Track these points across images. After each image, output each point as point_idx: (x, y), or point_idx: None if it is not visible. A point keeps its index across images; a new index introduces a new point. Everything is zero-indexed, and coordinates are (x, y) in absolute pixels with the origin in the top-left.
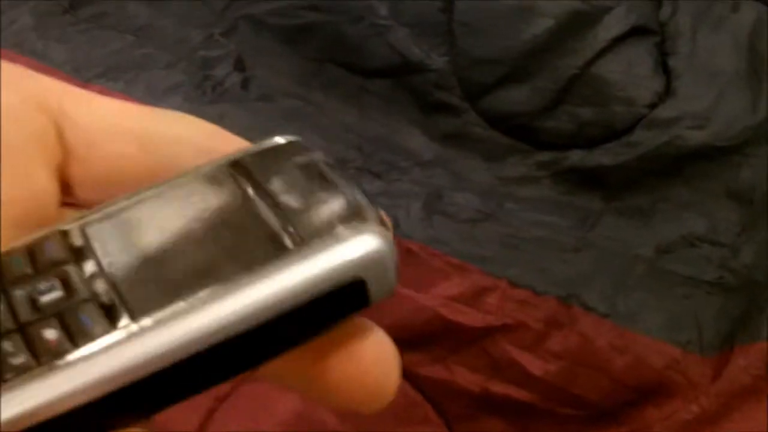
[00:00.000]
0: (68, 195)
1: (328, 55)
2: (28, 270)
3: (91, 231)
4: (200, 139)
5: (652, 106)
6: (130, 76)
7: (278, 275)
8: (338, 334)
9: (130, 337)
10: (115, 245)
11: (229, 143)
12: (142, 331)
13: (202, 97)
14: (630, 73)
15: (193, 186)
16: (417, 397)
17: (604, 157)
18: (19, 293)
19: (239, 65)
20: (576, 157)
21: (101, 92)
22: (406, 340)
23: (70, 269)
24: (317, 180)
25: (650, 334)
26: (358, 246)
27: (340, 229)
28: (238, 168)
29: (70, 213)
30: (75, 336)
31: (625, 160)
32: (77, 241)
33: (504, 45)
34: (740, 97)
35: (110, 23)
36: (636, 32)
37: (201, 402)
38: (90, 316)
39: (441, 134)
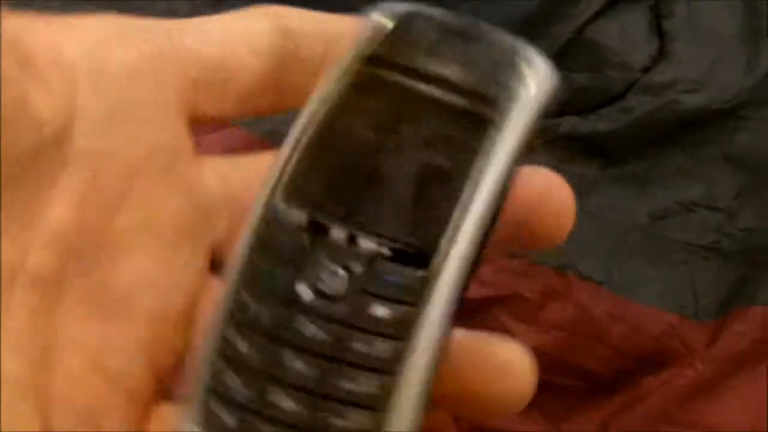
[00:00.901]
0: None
1: None
2: (289, 274)
3: (299, 198)
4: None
5: (647, 70)
6: None
7: (502, 146)
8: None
9: (443, 265)
10: (333, 197)
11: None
12: (445, 255)
13: None
14: (624, 37)
15: (356, 104)
16: None
17: (598, 123)
18: (308, 297)
19: None
20: (570, 123)
21: None
22: None
23: (326, 247)
24: (461, 39)
25: (647, 302)
26: (543, 83)
27: (521, 78)
28: (380, 63)
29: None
30: (398, 297)
31: (619, 126)
32: (297, 218)
33: (497, 12)
34: (736, 59)
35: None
36: None
37: None
38: (391, 273)
39: None
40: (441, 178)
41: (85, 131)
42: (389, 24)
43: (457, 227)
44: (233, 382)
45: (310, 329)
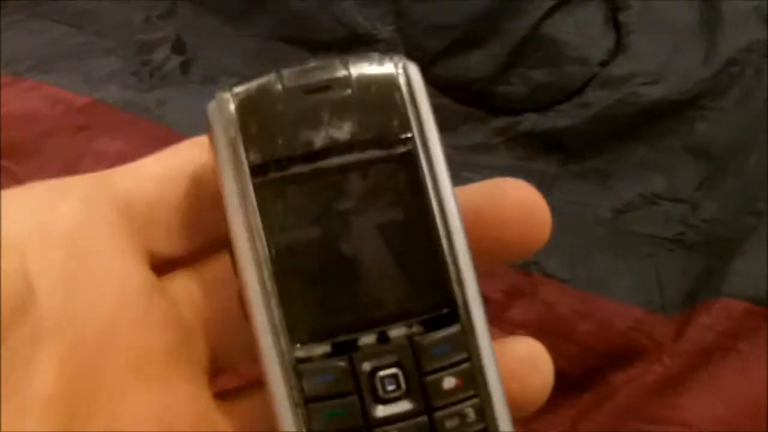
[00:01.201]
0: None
1: (274, 31)
2: (351, 403)
3: (309, 333)
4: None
5: (604, 63)
6: (64, 66)
7: (436, 165)
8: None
9: (468, 306)
10: (336, 313)
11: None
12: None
13: (139, 84)
14: (581, 31)
15: (282, 218)
16: None
17: (557, 119)
18: (382, 412)
19: (178, 48)
20: (530, 120)
21: (33, 87)
22: None
23: (365, 359)
24: (323, 92)
25: (613, 297)
26: (416, 80)
27: (403, 92)
28: (266, 168)
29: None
30: (453, 361)
31: (579, 121)
32: (321, 350)
33: (451, 10)
34: (694, 50)
35: (43, 12)
36: None
37: None
38: (436, 344)
39: None
40: (408, 231)
41: (47, 294)
42: (235, 121)
43: (456, 265)
44: None
45: None
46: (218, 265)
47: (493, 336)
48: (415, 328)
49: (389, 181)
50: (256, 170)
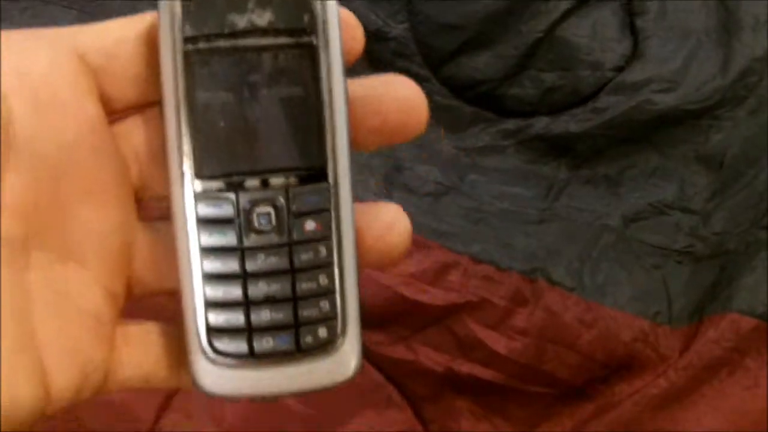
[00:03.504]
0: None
1: None
2: (232, 230)
3: (207, 171)
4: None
5: (619, 69)
6: None
7: (333, 60)
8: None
9: (337, 169)
10: (233, 159)
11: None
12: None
13: None
14: (596, 35)
15: (202, 79)
16: (380, 379)
17: (569, 123)
18: (253, 240)
19: None
20: (541, 124)
21: None
22: (367, 321)
23: (248, 197)
24: None
25: (618, 307)
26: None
27: None
28: (197, 39)
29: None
30: (318, 208)
31: (591, 126)
32: (216, 186)
33: (465, 9)
34: (711, 58)
35: None
36: None
37: (159, 389)
38: (307, 194)
39: None
40: (302, 106)
41: (21, 119)
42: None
43: (334, 137)
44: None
45: (269, 261)
46: (154, 113)
47: (367, 202)
48: (292, 180)
49: (293, 64)
50: (188, 40)
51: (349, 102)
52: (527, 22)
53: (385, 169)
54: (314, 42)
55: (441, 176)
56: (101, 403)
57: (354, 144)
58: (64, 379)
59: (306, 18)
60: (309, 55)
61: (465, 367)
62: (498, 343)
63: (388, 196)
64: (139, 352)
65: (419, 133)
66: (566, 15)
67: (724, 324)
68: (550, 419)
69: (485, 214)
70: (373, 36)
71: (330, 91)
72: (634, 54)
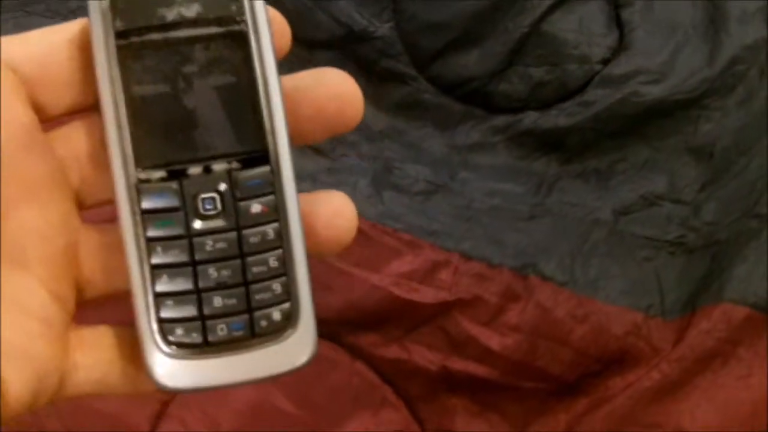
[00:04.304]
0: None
1: None
2: (179, 217)
3: (149, 161)
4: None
5: (606, 62)
6: None
7: (264, 45)
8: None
9: (278, 153)
10: (174, 148)
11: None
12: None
13: None
14: (583, 29)
15: (137, 72)
16: (375, 379)
17: (558, 117)
18: (200, 225)
19: None
20: (530, 119)
21: None
22: (360, 322)
23: (192, 184)
24: None
25: (611, 301)
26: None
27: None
28: (128, 33)
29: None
30: (262, 192)
31: (580, 120)
32: (159, 175)
33: (450, 7)
34: (698, 50)
35: (39, 9)
36: None
37: (154, 394)
38: (249, 178)
39: (391, 104)
40: (238, 92)
41: None
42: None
43: (272, 121)
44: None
45: (218, 246)
46: (95, 118)
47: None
48: (234, 165)
49: (225, 52)
50: (120, 35)
51: (283, 91)
52: (513, 18)
53: (374, 171)
54: (244, 29)
55: (431, 175)
56: (95, 413)
57: (296, 136)
58: (19, 384)
59: (234, 7)
60: (240, 43)
61: (459, 365)
62: (491, 339)
63: (378, 198)
64: (94, 355)
65: (357, 122)
66: (552, 10)
67: (717, 314)
68: (545, 415)
69: (476, 211)
70: (358, 36)
71: (264, 75)
72: (621, 46)
